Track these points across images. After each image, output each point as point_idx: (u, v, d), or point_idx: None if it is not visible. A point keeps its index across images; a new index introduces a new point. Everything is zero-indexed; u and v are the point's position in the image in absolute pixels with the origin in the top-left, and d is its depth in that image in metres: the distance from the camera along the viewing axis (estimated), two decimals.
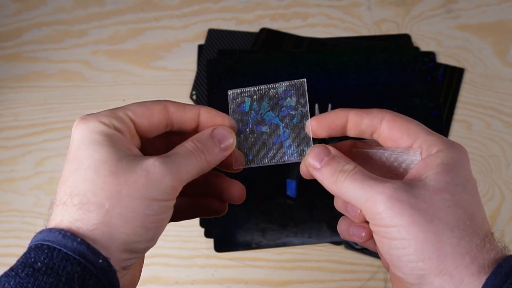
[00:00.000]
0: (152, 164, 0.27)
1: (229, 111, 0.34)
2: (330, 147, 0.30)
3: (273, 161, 0.33)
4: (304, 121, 0.32)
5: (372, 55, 0.67)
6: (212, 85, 0.65)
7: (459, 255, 0.25)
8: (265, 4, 0.72)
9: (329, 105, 0.61)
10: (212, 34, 0.70)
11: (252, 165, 0.33)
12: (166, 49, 0.70)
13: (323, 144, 0.31)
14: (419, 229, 0.25)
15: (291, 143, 0.33)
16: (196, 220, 0.59)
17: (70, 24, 0.72)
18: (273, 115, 0.33)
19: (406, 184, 0.26)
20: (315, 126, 0.32)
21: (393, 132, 0.30)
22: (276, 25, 0.71)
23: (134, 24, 0.72)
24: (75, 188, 0.26)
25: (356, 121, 0.32)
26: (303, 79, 0.33)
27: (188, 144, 0.29)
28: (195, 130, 0.32)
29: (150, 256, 0.57)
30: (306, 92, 0.33)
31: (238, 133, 0.33)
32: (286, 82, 0.34)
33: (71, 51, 0.70)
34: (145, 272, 0.59)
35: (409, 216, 0.25)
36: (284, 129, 0.33)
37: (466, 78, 0.66)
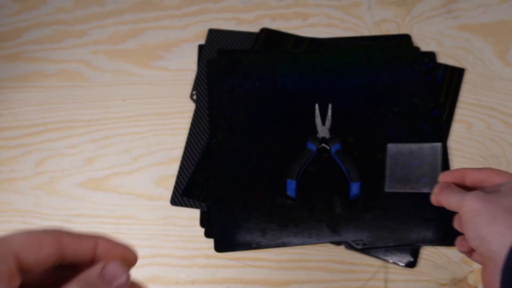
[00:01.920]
0: None
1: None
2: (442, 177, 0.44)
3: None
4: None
5: (372, 55, 0.67)
6: (212, 85, 0.65)
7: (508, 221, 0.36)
8: (265, 4, 0.72)
9: (329, 105, 0.61)
10: (212, 34, 0.70)
11: None
12: (166, 49, 0.70)
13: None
14: (489, 208, 0.36)
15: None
16: (196, 220, 0.59)
17: (70, 24, 0.72)
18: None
19: (489, 193, 0.38)
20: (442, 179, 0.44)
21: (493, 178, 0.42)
22: (276, 25, 0.71)
23: (134, 24, 0.72)
24: None
25: (475, 178, 0.43)
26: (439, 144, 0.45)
27: (73, 284, 0.25)
28: (91, 263, 0.28)
29: (150, 256, 0.57)
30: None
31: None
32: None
33: (71, 51, 0.70)
34: (145, 272, 0.59)
35: (487, 202, 0.37)
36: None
37: (466, 78, 0.66)
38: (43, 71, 0.69)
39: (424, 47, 0.68)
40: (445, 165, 0.60)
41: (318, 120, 0.61)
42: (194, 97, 0.66)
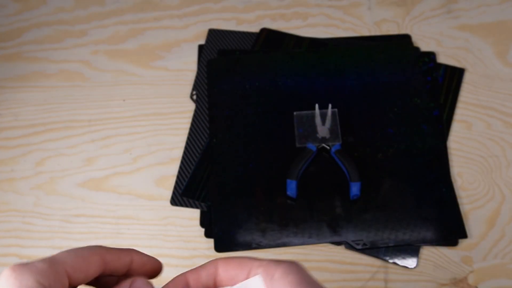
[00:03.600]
0: None
1: None
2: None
3: None
4: None
5: (372, 55, 0.67)
6: (212, 85, 0.65)
7: None
8: (265, 4, 0.72)
9: (329, 105, 0.61)
10: (212, 34, 0.70)
11: None
12: (166, 49, 0.70)
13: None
14: None
15: None
16: (196, 220, 0.59)
17: (70, 24, 0.72)
18: None
19: None
20: None
21: (229, 272, 0.30)
22: (276, 25, 0.71)
23: (134, 24, 0.72)
24: None
25: (195, 279, 0.31)
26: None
27: None
28: (125, 275, 0.30)
29: None
30: None
31: None
32: None
33: (71, 51, 0.70)
34: None
35: None
36: None
37: (466, 78, 0.66)
38: (43, 71, 0.69)
39: (424, 47, 0.68)
40: (445, 164, 0.60)
41: (318, 120, 0.61)
42: (194, 97, 0.66)
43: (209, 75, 0.66)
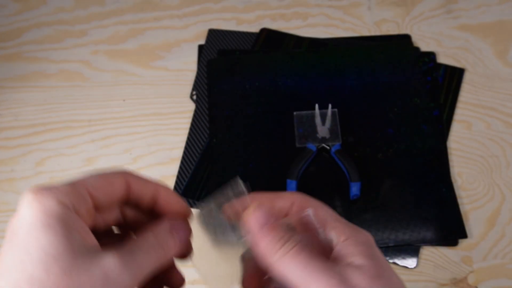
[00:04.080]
0: (112, 264, 0.23)
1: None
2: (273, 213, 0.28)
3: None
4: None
5: (372, 55, 0.67)
6: (212, 85, 0.65)
7: None
8: (265, 4, 0.72)
9: (329, 105, 0.61)
10: (212, 34, 0.70)
11: None
12: (166, 49, 0.70)
13: (264, 206, 0.28)
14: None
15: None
16: None
17: (70, 24, 0.72)
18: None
19: (348, 272, 0.25)
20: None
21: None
22: (276, 25, 0.71)
23: (134, 24, 0.72)
24: (17, 284, 0.22)
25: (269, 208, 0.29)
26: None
27: (149, 238, 0.27)
28: (150, 208, 0.30)
29: None
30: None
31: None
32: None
33: (71, 51, 0.70)
34: None
35: None
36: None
37: (466, 78, 0.66)
38: (43, 71, 0.69)
39: (424, 47, 0.68)
40: (445, 164, 0.60)
41: (318, 120, 0.61)
42: (194, 97, 0.66)
43: (209, 75, 0.66)
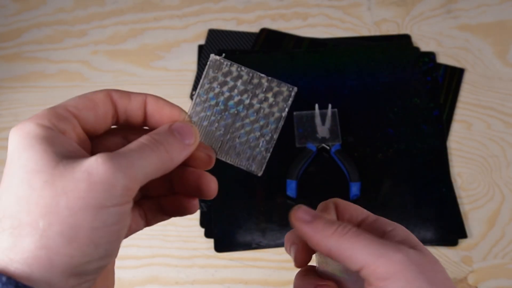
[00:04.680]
0: (95, 162, 0.22)
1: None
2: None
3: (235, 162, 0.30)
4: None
5: (372, 55, 0.67)
6: None
7: None
8: (265, 4, 0.72)
9: (329, 105, 0.61)
10: (212, 34, 0.70)
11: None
12: (166, 49, 0.70)
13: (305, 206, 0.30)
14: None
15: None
16: (196, 220, 0.59)
17: (70, 24, 0.72)
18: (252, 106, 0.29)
19: (415, 250, 0.25)
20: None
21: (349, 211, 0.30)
22: (276, 25, 0.71)
23: (134, 24, 0.72)
24: (7, 209, 0.22)
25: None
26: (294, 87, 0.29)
27: (142, 137, 0.25)
28: (143, 123, 0.28)
29: (150, 256, 0.57)
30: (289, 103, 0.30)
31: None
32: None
33: (71, 51, 0.70)
34: (145, 272, 0.59)
35: (423, 281, 0.24)
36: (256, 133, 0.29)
37: (466, 78, 0.66)
38: (43, 71, 0.69)
39: (424, 47, 0.68)
40: (445, 164, 0.60)
41: (318, 120, 0.61)
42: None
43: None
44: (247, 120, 0.29)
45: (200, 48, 0.69)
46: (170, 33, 0.71)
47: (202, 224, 0.59)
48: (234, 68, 0.29)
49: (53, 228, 0.21)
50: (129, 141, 0.27)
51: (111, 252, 0.23)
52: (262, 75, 0.29)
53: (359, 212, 0.30)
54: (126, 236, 0.29)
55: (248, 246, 0.57)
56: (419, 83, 0.64)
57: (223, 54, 0.30)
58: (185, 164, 0.29)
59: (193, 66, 0.68)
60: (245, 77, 0.29)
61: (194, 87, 0.67)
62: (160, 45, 0.70)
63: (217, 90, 0.29)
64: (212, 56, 0.30)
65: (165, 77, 0.68)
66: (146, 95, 0.28)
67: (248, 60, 0.67)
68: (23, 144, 0.23)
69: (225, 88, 0.29)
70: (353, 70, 0.66)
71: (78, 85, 0.68)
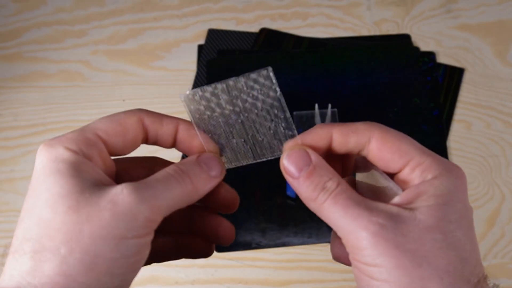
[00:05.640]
0: (120, 192, 0.22)
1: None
2: (311, 152, 0.26)
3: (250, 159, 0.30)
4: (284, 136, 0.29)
5: (372, 55, 0.67)
6: None
7: None
8: (265, 4, 0.72)
9: (329, 105, 0.61)
10: (212, 34, 0.70)
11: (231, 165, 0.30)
12: (166, 49, 0.70)
13: (303, 147, 0.27)
14: (403, 272, 0.22)
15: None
16: None
17: (70, 24, 0.72)
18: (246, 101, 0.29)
19: (393, 219, 0.23)
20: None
21: (383, 153, 0.25)
22: (276, 25, 0.71)
23: (134, 24, 0.72)
24: (28, 231, 0.22)
25: (341, 142, 0.26)
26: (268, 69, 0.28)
27: (169, 168, 0.25)
28: (171, 147, 0.29)
29: None
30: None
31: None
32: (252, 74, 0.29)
33: (71, 51, 0.70)
34: (145, 272, 0.59)
35: (393, 257, 0.22)
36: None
37: (466, 78, 0.66)
38: (43, 71, 0.69)
39: (424, 47, 0.68)
40: None
41: (318, 120, 0.61)
42: None
43: (209, 75, 0.66)
44: (252, 116, 0.28)
45: (200, 48, 0.69)
46: (170, 33, 0.71)
47: None
48: (207, 92, 0.29)
49: (74, 256, 0.21)
50: (154, 170, 0.27)
51: (127, 283, 0.23)
52: (233, 79, 0.28)
53: (396, 158, 0.25)
54: None
55: (248, 246, 0.57)
56: (419, 83, 0.64)
57: (189, 90, 0.29)
58: (210, 206, 0.29)
59: (193, 66, 0.68)
60: (224, 91, 0.29)
61: (194, 87, 0.67)
62: (160, 45, 0.70)
63: (208, 114, 0.29)
64: (182, 96, 0.29)
65: (165, 77, 0.68)
66: (178, 120, 0.28)
67: (247, 60, 0.67)
68: (49, 168, 0.23)
69: (216, 111, 0.29)
70: (353, 70, 0.66)
71: (78, 85, 0.68)
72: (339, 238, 0.26)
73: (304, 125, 0.61)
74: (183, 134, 0.28)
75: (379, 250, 0.22)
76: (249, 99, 0.28)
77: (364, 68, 0.66)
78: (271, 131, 0.28)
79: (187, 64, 0.68)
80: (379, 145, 0.25)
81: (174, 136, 0.28)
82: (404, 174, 0.25)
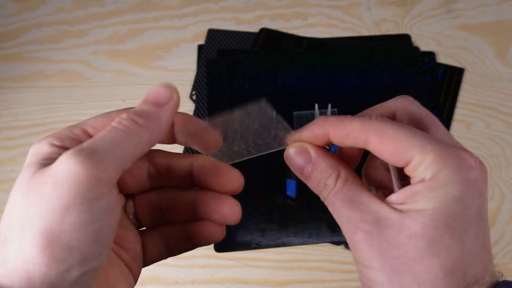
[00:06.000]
0: (60, 161, 0.21)
1: None
2: (311, 148, 0.27)
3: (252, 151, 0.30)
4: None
5: (372, 55, 0.67)
6: (212, 85, 0.65)
7: None
8: (265, 4, 0.72)
9: (329, 105, 0.61)
10: (212, 34, 0.70)
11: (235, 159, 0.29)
12: (166, 49, 0.70)
13: (301, 144, 0.28)
14: (386, 278, 0.23)
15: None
16: None
17: (70, 24, 0.72)
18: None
19: (381, 224, 0.23)
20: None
21: (383, 155, 0.24)
22: (276, 25, 0.71)
23: (134, 24, 0.72)
24: (2, 223, 0.22)
25: (339, 141, 0.26)
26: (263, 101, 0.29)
27: (114, 121, 0.24)
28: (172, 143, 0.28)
29: None
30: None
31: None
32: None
33: (71, 51, 0.70)
34: (144, 272, 0.59)
35: (378, 262, 0.23)
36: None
37: (466, 78, 0.66)
38: (43, 71, 0.69)
39: (424, 47, 0.68)
40: None
41: None
42: (194, 97, 0.66)
43: (209, 75, 0.66)
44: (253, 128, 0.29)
45: (200, 48, 0.69)
46: (170, 33, 0.71)
47: None
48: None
49: (26, 238, 0.20)
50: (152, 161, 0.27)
51: (91, 256, 0.21)
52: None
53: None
54: (148, 264, 0.29)
55: (248, 246, 0.57)
56: (419, 83, 0.64)
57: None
58: (214, 189, 0.28)
59: (193, 66, 0.68)
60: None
61: (194, 87, 0.67)
62: (160, 45, 0.70)
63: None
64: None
65: (165, 77, 0.68)
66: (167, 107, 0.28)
67: (247, 60, 0.67)
68: (27, 163, 0.23)
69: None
70: (353, 70, 0.66)
71: (78, 85, 0.68)
72: (374, 159, 0.27)
73: (304, 125, 0.61)
74: (179, 122, 0.28)
75: (366, 255, 0.23)
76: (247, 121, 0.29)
77: (364, 68, 0.66)
78: (271, 136, 0.28)
79: (187, 64, 0.68)
80: (376, 148, 0.25)
81: (172, 129, 0.28)
82: (409, 170, 0.24)
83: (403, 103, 0.28)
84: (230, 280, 0.56)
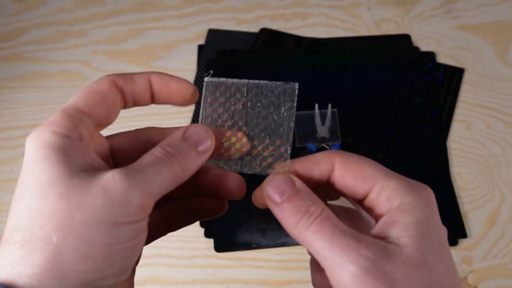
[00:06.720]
0: (112, 178, 0.21)
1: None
2: (296, 178, 0.25)
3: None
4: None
5: (372, 55, 0.67)
6: None
7: None
8: (265, 4, 0.72)
9: (329, 105, 0.61)
10: (212, 34, 0.70)
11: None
12: (166, 49, 0.70)
13: (286, 173, 0.26)
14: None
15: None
16: None
17: (70, 24, 0.72)
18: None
19: (383, 253, 0.22)
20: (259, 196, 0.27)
21: (347, 179, 0.25)
22: (276, 25, 0.71)
23: (134, 24, 0.72)
24: (18, 221, 0.21)
25: (306, 176, 0.26)
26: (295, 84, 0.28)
27: (156, 150, 0.24)
28: (151, 102, 0.29)
29: (150, 256, 0.57)
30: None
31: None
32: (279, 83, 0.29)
33: (71, 51, 0.70)
34: (145, 272, 0.59)
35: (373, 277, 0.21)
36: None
37: (466, 78, 0.66)
38: (43, 71, 0.69)
39: (424, 47, 0.68)
40: (444, 164, 0.60)
41: (318, 120, 0.61)
42: None
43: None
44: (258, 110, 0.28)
45: (200, 48, 0.69)
46: (170, 33, 0.71)
47: (202, 224, 0.59)
48: (229, 82, 0.29)
49: (68, 244, 0.21)
50: (141, 140, 0.28)
51: (126, 269, 0.23)
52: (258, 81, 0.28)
53: (360, 183, 0.25)
54: (147, 243, 0.29)
55: (248, 246, 0.57)
56: (419, 83, 0.64)
57: (211, 72, 0.29)
58: (217, 195, 0.29)
59: (193, 66, 0.68)
60: (245, 85, 0.28)
61: None
62: (160, 45, 0.70)
63: (220, 109, 0.29)
64: (207, 79, 0.29)
65: None
66: (149, 74, 0.27)
67: (247, 60, 0.67)
68: (37, 154, 0.22)
69: (227, 104, 0.29)
70: (353, 70, 0.66)
71: (78, 85, 0.68)
72: (321, 271, 0.24)
73: (304, 125, 0.61)
74: (158, 83, 0.27)
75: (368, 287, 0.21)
76: (263, 100, 0.28)
77: (364, 68, 0.66)
78: (268, 136, 0.28)
79: (187, 64, 0.68)
80: (341, 172, 0.25)
81: (150, 89, 0.28)
82: (370, 199, 0.24)
83: (339, 156, 0.27)
84: (230, 280, 0.56)
